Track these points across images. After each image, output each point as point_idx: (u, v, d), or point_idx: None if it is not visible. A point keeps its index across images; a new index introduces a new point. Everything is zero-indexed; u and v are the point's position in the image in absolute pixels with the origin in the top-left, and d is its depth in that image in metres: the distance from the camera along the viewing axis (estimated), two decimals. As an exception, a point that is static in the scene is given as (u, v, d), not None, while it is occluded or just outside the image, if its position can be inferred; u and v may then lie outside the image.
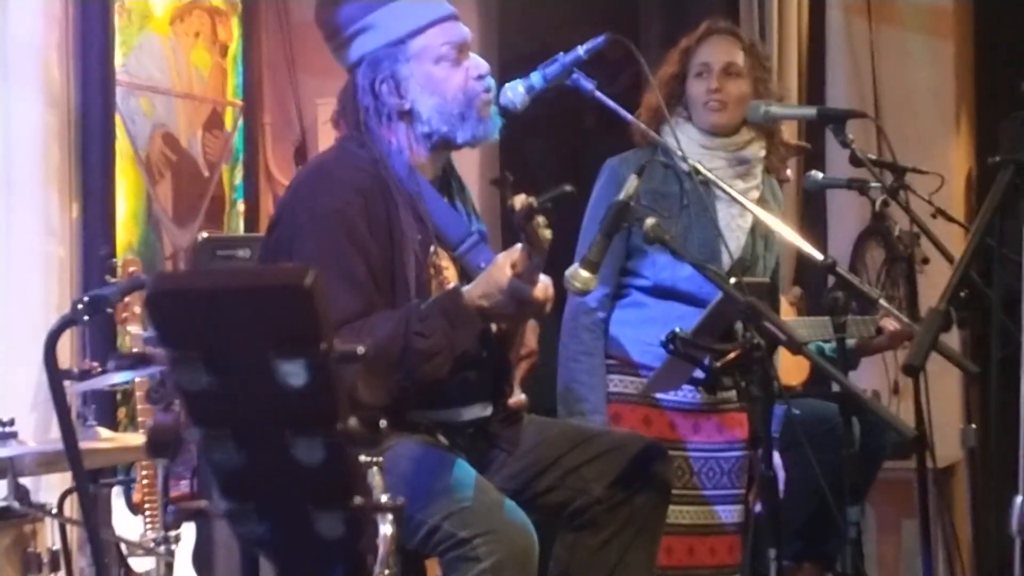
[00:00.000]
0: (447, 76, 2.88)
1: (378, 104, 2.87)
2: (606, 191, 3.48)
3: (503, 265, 2.66)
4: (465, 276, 2.86)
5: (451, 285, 2.81)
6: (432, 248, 2.84)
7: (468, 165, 3.09)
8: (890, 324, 4.05)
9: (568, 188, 2.70)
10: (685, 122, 3.58)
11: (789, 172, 4.19)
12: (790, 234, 3.28)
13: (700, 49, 3.63)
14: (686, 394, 3.50)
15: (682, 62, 3.64)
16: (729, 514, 3.54)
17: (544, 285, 2.70)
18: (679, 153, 3.09)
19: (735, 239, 3.57)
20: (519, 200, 2.55)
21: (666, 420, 3.50)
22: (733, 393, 3.15)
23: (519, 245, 2.66)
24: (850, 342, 4.12)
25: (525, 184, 2.75)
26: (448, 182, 3.02)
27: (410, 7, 2.89)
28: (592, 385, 3.49)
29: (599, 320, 3.55)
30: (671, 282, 3.48)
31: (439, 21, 2.90)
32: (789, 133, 4.23)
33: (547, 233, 2.60)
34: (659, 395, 3.49)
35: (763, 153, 3.64)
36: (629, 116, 3.20)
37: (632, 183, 2.82)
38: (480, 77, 2.91)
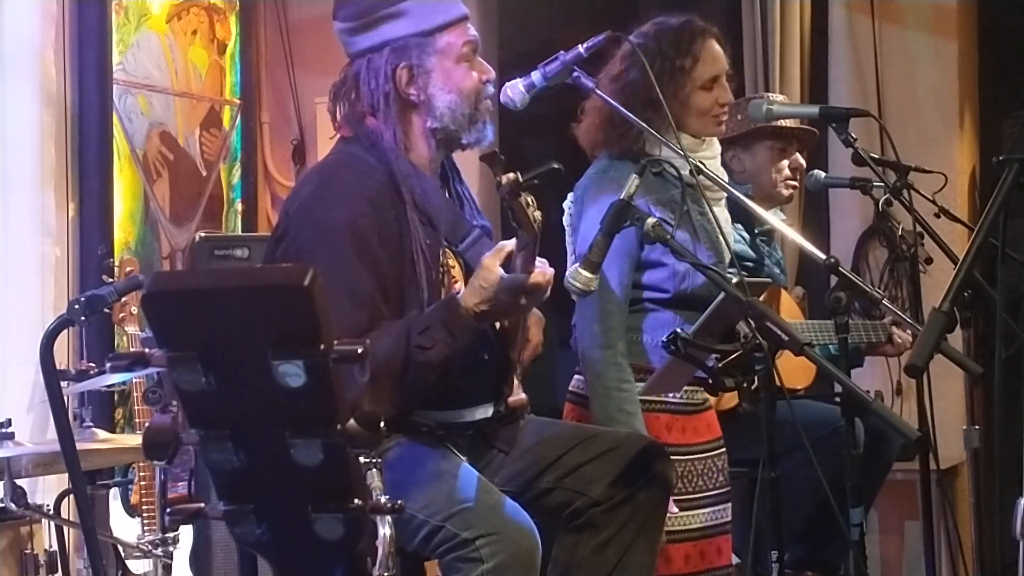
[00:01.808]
0: (464, 76, 2.87)
1: (393, 91, 2.84)
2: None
3: (490, 266, 2.65)
4: (471, 272, 2.82)
5: (458, 284, 2.80)
6: (441, 247, 2.83)
7: (468, 163, 3.06)
8: (899, 335, 4.03)
9: (555, 165, 2.64)
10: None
11: (791, 192, 4.17)
12: (792, 233, 3.26)
13: (704, 60, 3.52)
14: (693, 394, 3.47)
15: (687, 73, 3.50)
16: (727, 512, 3.51)
17: (542, 269, 2.66)
18: (682, 154, 3.06)
19: (730, 239, 3.53)
20: (506, 177, 2.52)
21: (680, 425, 3.46)
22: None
23: (501, 243, 2.65)
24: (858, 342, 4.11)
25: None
26: (446, 176, 3.01)
27: (439, 2, 2.88)
28: (637, 412, 3.32)
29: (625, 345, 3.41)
30: (691, 289, 3.41)
31: (462, 20, 2.90)
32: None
33: (536, 214, 2.57)
34: (669, 397, 3.44)
35: None
36: (630, 115, 3.16)
37: (633, 182, 2.80)
38: (489, 82, 2.91)
